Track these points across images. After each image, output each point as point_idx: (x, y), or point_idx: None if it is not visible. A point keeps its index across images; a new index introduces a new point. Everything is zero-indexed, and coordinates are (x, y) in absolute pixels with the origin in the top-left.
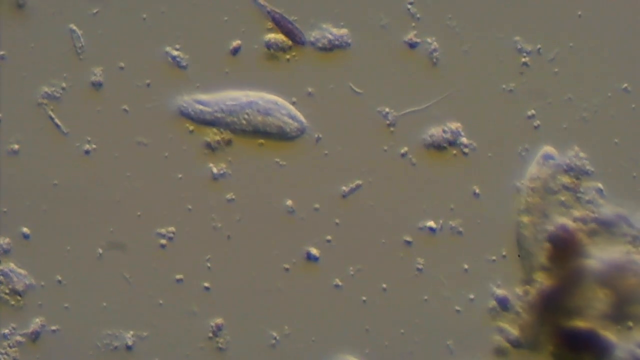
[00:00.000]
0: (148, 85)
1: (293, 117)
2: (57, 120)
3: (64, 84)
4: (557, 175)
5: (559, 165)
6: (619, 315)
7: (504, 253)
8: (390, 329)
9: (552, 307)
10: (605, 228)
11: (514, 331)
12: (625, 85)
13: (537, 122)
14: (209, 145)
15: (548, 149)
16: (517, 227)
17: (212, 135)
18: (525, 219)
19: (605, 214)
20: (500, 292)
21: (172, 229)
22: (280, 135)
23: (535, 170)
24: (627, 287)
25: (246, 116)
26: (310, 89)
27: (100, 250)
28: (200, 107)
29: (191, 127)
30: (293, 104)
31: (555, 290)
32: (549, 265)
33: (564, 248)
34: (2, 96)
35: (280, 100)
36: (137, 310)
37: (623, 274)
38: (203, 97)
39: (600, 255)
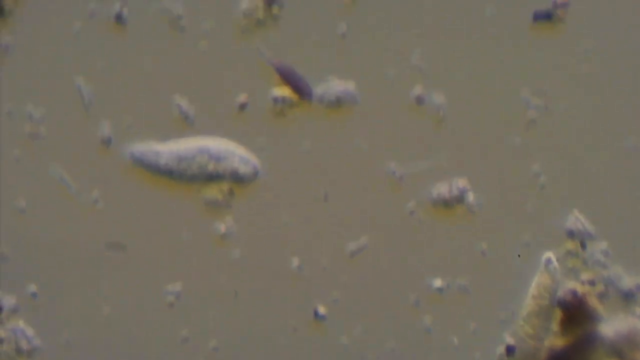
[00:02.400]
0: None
1: (246, 162)
2: (68, 180)
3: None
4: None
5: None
6: None
7: (512, 311)
8: None
9: None
10: (625, 299)
11: None
12: (634, 142)
13: (542, 179)
14: (213, 202)
15: (549, 255)
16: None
17: (215, 192)
18: (527, 327)
19: (625, 285)
20: (510, 340)
21: (179, 287)
22: (235, 179)
23: (539, 278)
24: (635, 359)
25: (198, 162)
26: (316, 144)
27: (108, 310)
28: (153, 156)
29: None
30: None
31: (565, 352)
32: (559, 330)
33: (574, 313)
34: (6, 153)
35: (232, 145)
36: None
37: (633, 345)
38: (158, 147)
39: (612, 322)
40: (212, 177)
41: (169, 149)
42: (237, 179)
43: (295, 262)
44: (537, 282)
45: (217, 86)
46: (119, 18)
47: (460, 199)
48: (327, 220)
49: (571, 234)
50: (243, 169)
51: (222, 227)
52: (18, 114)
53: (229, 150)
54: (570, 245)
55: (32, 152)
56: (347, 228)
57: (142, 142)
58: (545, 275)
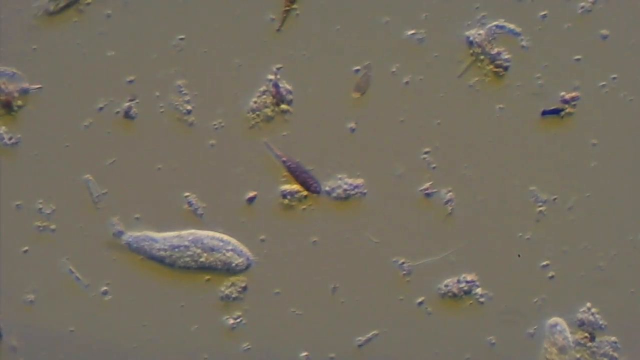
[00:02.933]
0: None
1: (239, 253)
2: (77, 274)
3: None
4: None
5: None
6: None
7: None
8: None
9: None
10: None
11: None
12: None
13: (551, 273)
14: (225, 297)
15: (555, 319)
16: None
17: (226, 287)
18: None
19: None
20: None
21: None
22: (227, 270)
23: (546, 343)
24: None
25: (190, 253)
26: (325, 238)
27: None
28: (148, 242)
29: (207, 277)
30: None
31: None
32: None
33: None
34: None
35: (225, 237)
36: None
37: None
38: (153, 234)
39: None
40: (205, 268)
41: (163, 237)
42: (230, 270)
43: (303, 354)
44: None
45: (225, 181)
46: (127, 114)
47: (468, 292)
48: (335, 313)
49: (582, 325)
50: (236, 261)
51: (230, 320)
52: (27, 208)
53: (223, 242)
54: (579, 335)
55: (41, 246)
56: (355, 320)
57: (140, 232)
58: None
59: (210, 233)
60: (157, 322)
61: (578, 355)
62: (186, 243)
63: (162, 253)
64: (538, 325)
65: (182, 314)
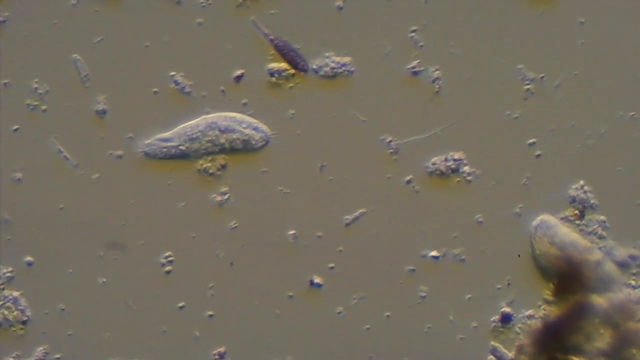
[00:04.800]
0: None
1: (256, 129)
2: (65, 154)
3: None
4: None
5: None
6: (617, 357)
7: (508, 281)
8: (393, 357)
9: (551, 339)
10: (619, 269)
11: (508, 353)
12: (633, 113)
13: (539, 151)
14: (205, 172)
15: (544, 217)
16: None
17: (205, 163)
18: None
19: (618, 255)
20: (506, 309)
21: (174, 256)
22: (247, 149)
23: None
24: (629, 329)
25: (209, 139)
26: (312, 117)
27: (104, 279)
28: (165, 144)
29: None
30: (297, 135)
31: (558, 322)
32: (553, 298)
33: (569, 281)
34: (5, 124)
35: (238, 115)
36: (140, 338)
37: (627, 315)
38: (164, 134)
39: (607, 292)
40: (226, 150)
41: (177, 134)
42: (250, 147)
43: (291, 231)
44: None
45: (213, 60)
46: None
47: (456, 170)
48: (323, 191)
49: (573, 202)
50: (256, 137)
51: (217, 198)
52: (15, 87)
53: (237, 121)
54: (569, 212)
55: (30, 125)
56: (343, 199)
57: (148, 137)
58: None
59: (223, 114)
60: (145, 201)
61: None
62: (201, 131)
63: (182, 148)
64: (524, 204)
65: (170, 192)
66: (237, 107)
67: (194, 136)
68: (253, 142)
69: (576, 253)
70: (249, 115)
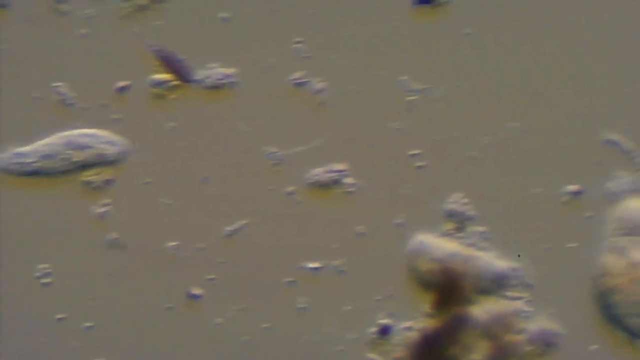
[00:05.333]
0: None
1: (112, 143)
2: None
3: None
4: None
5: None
6: None
7: (389, 292)
8: None
9: (430, 351)
10: (498, 281)
11: None
12: (516, 124)
13: (421, 163)
14: (88, 184)
15: (422, 237)
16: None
17: (91, 175)
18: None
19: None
20: (385, 321)
21: (54, 267)
22: (103, 163)
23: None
24: (506, 342)
25: (66, 155)
26: (196, 127)
27: None
28: (20, 159)
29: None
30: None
31: (436, 334)
32: (432, 310)
33: (448, 293)
34: None
35: (96, 131)
36: (18, 348)
37: (505, 327)
38: (21, 149)
39: (485, 305)
40: (83, 166)
41: (33, 149)
42: (107, 162)
43: (172, 243)
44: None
45: (97, 71)
46: (1, 2)
47: (337, 181)
48: (205, 202)
49: (451, 215)
50: (110, 151)
51: (99, 209)
52: None
53: (94, 137)
54: (449, 226)
55: None
56: (226, 210)
57: (4, 150)
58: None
59: (81, 131)
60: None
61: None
62: (57, 148)
63: (35, 165)
64: (406, 216)
65: (51, 204)
66: (110, 121)
67: (49, 153)
68: (110, 156)
69: (455, 266)
70: (120, 127)
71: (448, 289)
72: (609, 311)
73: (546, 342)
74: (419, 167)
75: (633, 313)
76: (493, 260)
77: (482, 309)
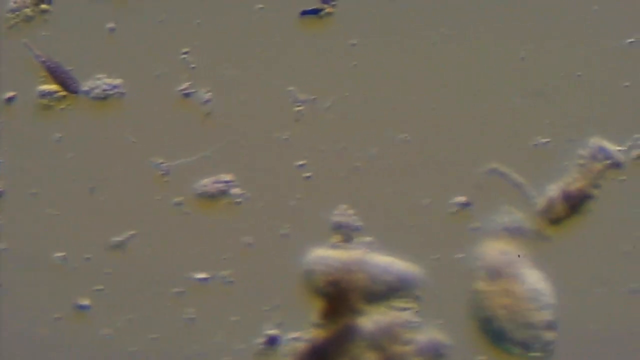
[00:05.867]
0: None
1: None
2: None
3: None
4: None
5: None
6: None
7: (277, 303)
8: None
9: None
10: (387, 291)
11: None
12: (404, 135)
13: (308, 173)
14: None
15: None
16: None
17: None
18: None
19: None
20: (272, 331)
21: None
22: None
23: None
24: (394, 353)
25: None
26: (83, 138)
27: None
28: None
29: None
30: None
31: (324, 344)
32: (321, 320)
33: (336, 304)
34: None
35: None
36: None
37: (393, 338)
38: None
39: (374, 315)
40: None
41: None
42: None
43: (59, 253)
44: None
45: None
46: None
47: (225, 192)
48: (93, 213)
49: (338, 227)
50: None
51: None
52: None
53: None
54: (336, 238)
55: None
56: (113, 220)
57: None
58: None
59: None
60: None
61: None
62: None
63: None
64: (292, 225)
65: None
66: (7, 128)
67: None
68: None
69: (343, 276)
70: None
71: (336, 299)
72: (490, 327)
73: (435, 353)
74: (307, 177)
75: (514, 328)
76: (381, 271)
77: (370, 320)
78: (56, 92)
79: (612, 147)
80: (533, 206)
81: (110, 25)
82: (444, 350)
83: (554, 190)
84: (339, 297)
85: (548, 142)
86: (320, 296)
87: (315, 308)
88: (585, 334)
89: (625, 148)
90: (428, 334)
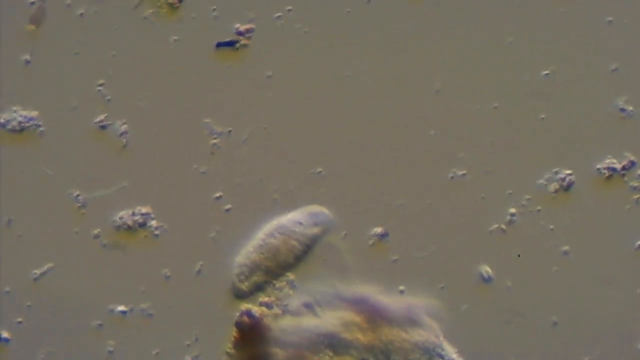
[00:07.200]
0: None
1: None
2: None
3: None
4: None
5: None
6: None
7: (195, 336)
8: None
9: None
10: (293, 316)
11: None
12: (320, 169)
13: (227, 206)
14: None
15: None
16: None
17: None
18: None
19: (294, 303)
20: None
21: None
22: None
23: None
24: None
25: None
26: (1, 169)
27: None
28: None
29: None
30: None
31: None
32: (234, 350)
33: (249, 333)
34: None
35: None
36: None
37: None
38: None
39: (287, 340)
40: None
41: None
42: None
43: None
44: None
45: None
46: None
47: (143, 224)
48: (11, 245)
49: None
50: None
51: None
52: None
53: None
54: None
55: None
56: (32, 253)
57: None
58: None
59: None
60: None
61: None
62: None
63: None
64: (205, 261)
65: None
66: None
67: None
68: None
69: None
70: None
71: (249, 329)
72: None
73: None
74: (227, 210)
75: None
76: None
77: (283, 345)
78: None
79: None
80: None
81: (26, 57)
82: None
83: None
84: (252, 328)
85: (464, 174)
86: (235, 326)
87: (229, 338)
88: None
89: None
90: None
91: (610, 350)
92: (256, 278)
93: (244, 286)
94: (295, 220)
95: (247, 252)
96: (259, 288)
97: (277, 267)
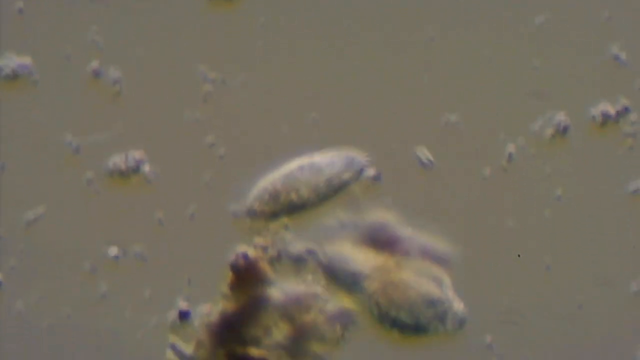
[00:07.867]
0: None
1: None
2: None
3: None
4: None
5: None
6: (295, 350)
7: (188, 277)
8: (74, 355)
9: (229, 332)
10: (294, 262)
11: (187, 348)
12: (313, 114)
13: (221, 152)
14: None
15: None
16: None
17: None
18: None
19: (295, 249)
20: (183, 305)
21: None
22: None
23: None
24: (305, 323)
25: None
26: None
27: None
28: None
29: None
30: None
31: (235, 315)
32: (230, 292)
33: (245, 276)
34: None
35: None
36: None
37: (303, 308)
38: None
39: (283, 286)
40: None
41: None
42: None
43: None
44: None
45: None
46: None
47: (136, 169)
48: (3, 190)
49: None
50: None
51: None
52: None
53: None
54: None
55: None
56: (24, 198)
57: None
58: None
59: None
60: None
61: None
62: None
63: None
64: (198, 205)
65: None
66: None
67: None
68: None
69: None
70: None
71: (245, 271)
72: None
73: (344, 323)
74: (220, 157)
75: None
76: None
77: (280, 291)
78: None
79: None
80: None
81: (20, 5)
82: (354, 320)
83: None
84: (248, 269)
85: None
86: (230, 268)
87: (225, 279)
88: None
89: None
90: (337, 304)
91: (602, 293)
92: (273, 206)
93: (260, 208)
94: (327, 161)
95: (273, 178)
96: (273, 215)
97: (296, 200)
